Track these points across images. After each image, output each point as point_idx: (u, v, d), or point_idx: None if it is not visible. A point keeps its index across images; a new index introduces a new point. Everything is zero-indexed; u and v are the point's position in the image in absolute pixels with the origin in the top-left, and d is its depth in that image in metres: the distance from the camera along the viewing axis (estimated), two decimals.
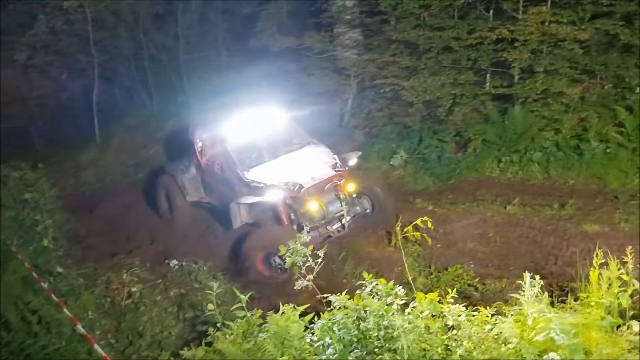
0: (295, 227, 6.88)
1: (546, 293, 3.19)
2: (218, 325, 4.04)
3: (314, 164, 7.33)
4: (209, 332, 3.98)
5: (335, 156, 7.54)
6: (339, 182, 7.13)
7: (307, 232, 6.80)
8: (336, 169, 7.25)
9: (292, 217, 6.96)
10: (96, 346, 4.47)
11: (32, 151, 12.87)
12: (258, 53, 11.98)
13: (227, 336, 3.79)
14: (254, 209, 7.23)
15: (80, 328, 4.84)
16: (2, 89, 13.31)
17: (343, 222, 7.07)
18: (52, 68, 13.62)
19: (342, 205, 7.03)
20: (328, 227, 7.05)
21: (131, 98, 14.41)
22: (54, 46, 12.80)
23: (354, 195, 7.33)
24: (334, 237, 7.09)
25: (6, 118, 13.39)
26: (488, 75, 8.80)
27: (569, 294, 3.74)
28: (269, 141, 7.88)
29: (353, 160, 7.62)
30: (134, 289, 5.87)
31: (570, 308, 3.42)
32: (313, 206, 6.88)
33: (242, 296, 3.82)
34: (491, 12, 8.46)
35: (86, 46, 12.90)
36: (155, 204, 8.95)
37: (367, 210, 7.52)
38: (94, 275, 6.54)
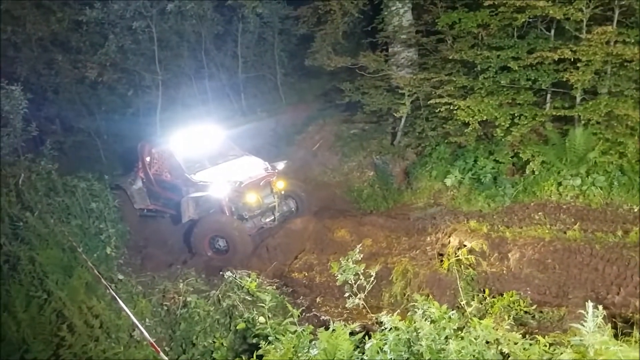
0: (236, 217, 8.31)
1: (609, 324, 3.06)
2: (270, 338, 4.10)
3: (249, 167, 9.01)
4: (259, 345, 4.04)
5: (267, 163, 9.16)
6: (271, 179, 8.77)
7: (246, 219, 8.37)
8: (267, 171, 8.91)
9: (233, 209, 8.39)
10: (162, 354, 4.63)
11: (98, 163, 13.60)
12: (312, 72, 12.20)
13: (278, 350, 3.84)
14: (200, 205, 8.60)
15: (147, 336, 5.02)
16: (73, 104, 14.19)
17: (275, 215, 8.66)
18: (119, 85, 14.29)
19: (274, 198, 8.71)
20: (262, 219, 8.64)
21: (191, 114, 14.94)
22: (122, 64, 13.49)
23: (283, 193, 8.91)
24: (266, 228, 8.67)
25: (76, 132, 14.26)
26: (548, 96, 8.56)
27: (634, 327, 3.57)
28: (209, 153, 9.43)
29: (281, 165, 9.16)
30: (189, 299, 6.02)
31: (636, 342, 3.25)
32: (252, 198, 8.44)
33: (293, 311, 3.88)
34: (552, 31, 8.26)
35: (151, 65, 13.58)
36: None
37: (292, 210, 9.16)
38: (151, 283, 6.78)
